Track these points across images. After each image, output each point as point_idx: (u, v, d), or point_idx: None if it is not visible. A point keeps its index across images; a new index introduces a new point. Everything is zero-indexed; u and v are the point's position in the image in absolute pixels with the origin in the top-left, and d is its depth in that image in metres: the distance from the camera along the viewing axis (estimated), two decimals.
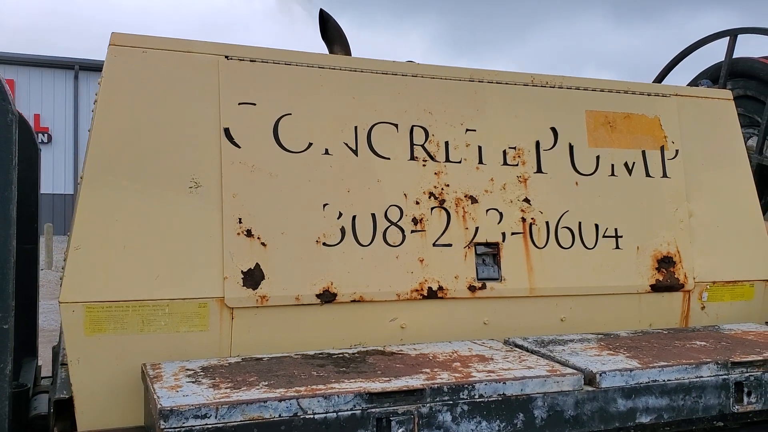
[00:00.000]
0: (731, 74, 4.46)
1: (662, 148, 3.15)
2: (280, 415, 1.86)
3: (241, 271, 2.40)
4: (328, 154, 2.60)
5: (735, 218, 3.27)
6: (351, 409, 1.93)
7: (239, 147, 2.48)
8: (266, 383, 2.02)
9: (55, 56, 28.16)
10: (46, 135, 26.62)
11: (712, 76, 4.54)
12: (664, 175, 3.13)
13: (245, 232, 2.43)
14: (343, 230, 2.56)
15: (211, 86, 2.49)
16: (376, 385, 2.01)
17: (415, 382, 2.06)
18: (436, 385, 2.05)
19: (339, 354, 2.42)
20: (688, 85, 4.69)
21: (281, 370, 2.18)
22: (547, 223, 2.87)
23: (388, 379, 2.09)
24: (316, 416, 1.89)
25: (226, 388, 1.96)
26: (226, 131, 2.47)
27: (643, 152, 3.11)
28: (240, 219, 2.43)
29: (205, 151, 2.44)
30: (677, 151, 3.18)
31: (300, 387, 1.97)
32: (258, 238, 2.44)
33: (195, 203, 2.40)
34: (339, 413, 1.92)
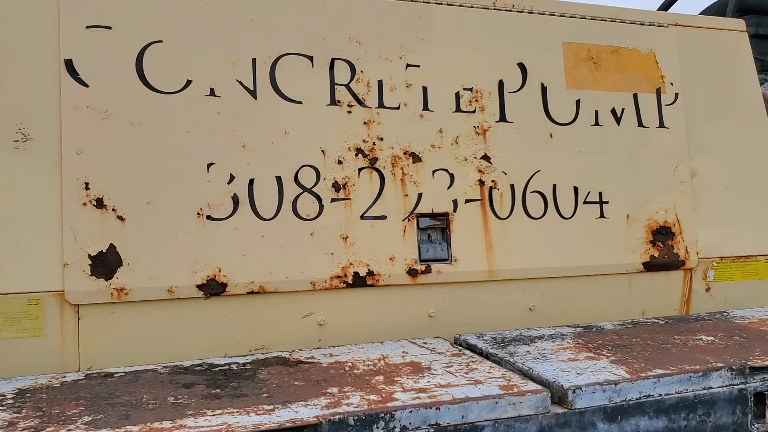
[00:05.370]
0: (740, 10, 4.15)
1: (658, 91, 2.79)
2: None
3: (89, 255, 1.92)
4: (215, 95, 2.11)
5: (748, 179, 2.89)
6: None
7: (87, 86, 1.98)
8: (89, 418, 1.42)
9: None
10: None
11: (717, 14, 4.25)
12: (661, 125, 2.76)
13: (94, 202, 1.93)
14: (235, 199, 2.08)
15: (46, 4, 1.93)
16: (249, 420, 1.41)
17: (308, 412, 1.47)
18: (337, 417, 1.46)
19: (225, 365, 1.84)
20: None
21: (127, 394, 1.58)
22: (512, 186, 2.48)
23: (271, 407, 1.50)
24: None
25: (24, 429, 1.35)
26: (68, 64, 1.96)
27: (635, 96, 2.75)
28: (87, 184, 1.94)
29: (36, 92, 1.94)
30: (677, 94, 2.80)
31: (132, 427, 1.37)
32: (113, 210, 1.95)
33: (22, 163, 1.91)
34: None
